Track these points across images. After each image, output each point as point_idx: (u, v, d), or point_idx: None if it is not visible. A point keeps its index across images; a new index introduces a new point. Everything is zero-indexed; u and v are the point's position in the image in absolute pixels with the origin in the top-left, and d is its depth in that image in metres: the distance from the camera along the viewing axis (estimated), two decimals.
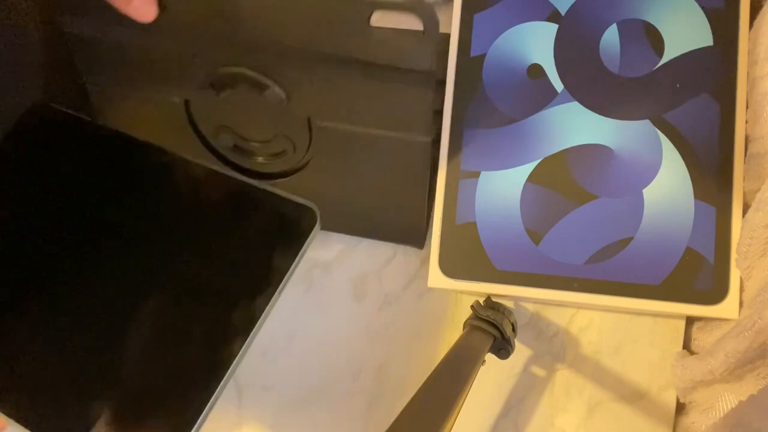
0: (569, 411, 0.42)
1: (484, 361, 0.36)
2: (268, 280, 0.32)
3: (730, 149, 0.39)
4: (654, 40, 0.41)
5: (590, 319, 0.43)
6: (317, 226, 0.33)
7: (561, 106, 0.42)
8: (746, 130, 0.39)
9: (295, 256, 0.32)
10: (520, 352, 0.43)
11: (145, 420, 0.31)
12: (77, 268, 0.35)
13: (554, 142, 0.42)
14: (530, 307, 0.44)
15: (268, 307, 0.31)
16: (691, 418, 0.39)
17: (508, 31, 0.43)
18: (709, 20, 0.40)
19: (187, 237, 0.35)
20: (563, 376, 0.42)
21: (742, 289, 0.38)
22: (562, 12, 0.43)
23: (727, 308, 0.38)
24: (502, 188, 0.42)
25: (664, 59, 0.41)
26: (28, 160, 0.39)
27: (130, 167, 0.37)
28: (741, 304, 0.38)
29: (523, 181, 0.42)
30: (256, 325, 0.31)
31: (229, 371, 0.30)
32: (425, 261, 0.45)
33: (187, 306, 0.33)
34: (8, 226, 0.37)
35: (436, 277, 0.42)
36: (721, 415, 0.36)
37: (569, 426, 0.42)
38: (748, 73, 0.40)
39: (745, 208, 0.39)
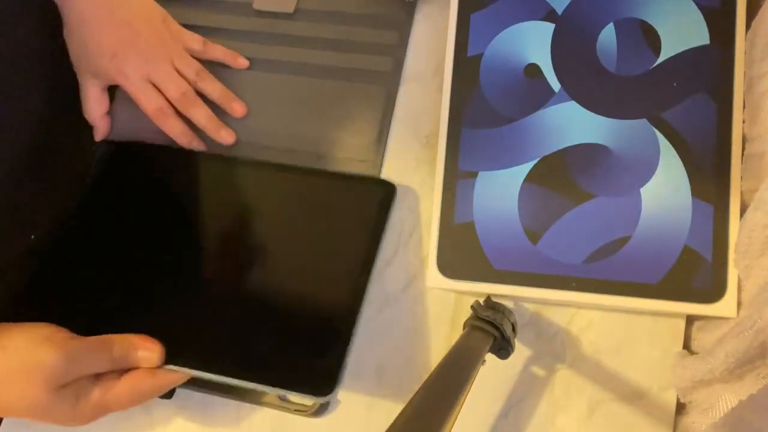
0: (569, 411, 0.42)
1: (484, 361, 0.36)
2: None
3: (727, 148, 0.39)
4: (651, 39, 0.41)
5: (590, 319, 0.43)
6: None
7: (558, 105, 0.42)
8: (743, 129, 0.39)
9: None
10: (520, 352, 0.43)
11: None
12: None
13: (552, 142, 0.42)
14: (530, 307, 0.44)
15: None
16: (692, 418, 0.39)
17: (505, 30, 0.43)
18: (705, 19, 0.41)
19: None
20: (563, 376, 0.42)
21: (740, 288, 0.38)
22: (559, 11, 0.43)
23: (725, 306, 0.38)
24: (500, 188, 0.42)
25: (661, 58, 0.41)
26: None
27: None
28: (739, 303, 0.38)
29: (521, 181, 0.42)
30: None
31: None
32: (425, 261, 0.45)
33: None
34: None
35: (435, 277, 0.42)
36: (722, 414, 0.36)
37: (569, 426, 0.41)
38: (744, 72, 0.40)
39: (743, 207, 0.39)
